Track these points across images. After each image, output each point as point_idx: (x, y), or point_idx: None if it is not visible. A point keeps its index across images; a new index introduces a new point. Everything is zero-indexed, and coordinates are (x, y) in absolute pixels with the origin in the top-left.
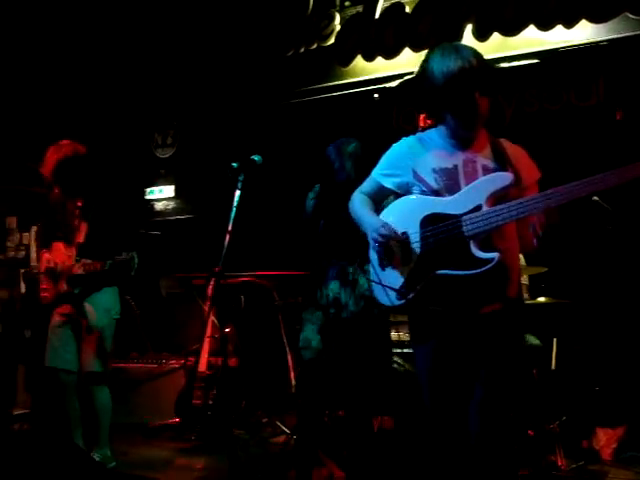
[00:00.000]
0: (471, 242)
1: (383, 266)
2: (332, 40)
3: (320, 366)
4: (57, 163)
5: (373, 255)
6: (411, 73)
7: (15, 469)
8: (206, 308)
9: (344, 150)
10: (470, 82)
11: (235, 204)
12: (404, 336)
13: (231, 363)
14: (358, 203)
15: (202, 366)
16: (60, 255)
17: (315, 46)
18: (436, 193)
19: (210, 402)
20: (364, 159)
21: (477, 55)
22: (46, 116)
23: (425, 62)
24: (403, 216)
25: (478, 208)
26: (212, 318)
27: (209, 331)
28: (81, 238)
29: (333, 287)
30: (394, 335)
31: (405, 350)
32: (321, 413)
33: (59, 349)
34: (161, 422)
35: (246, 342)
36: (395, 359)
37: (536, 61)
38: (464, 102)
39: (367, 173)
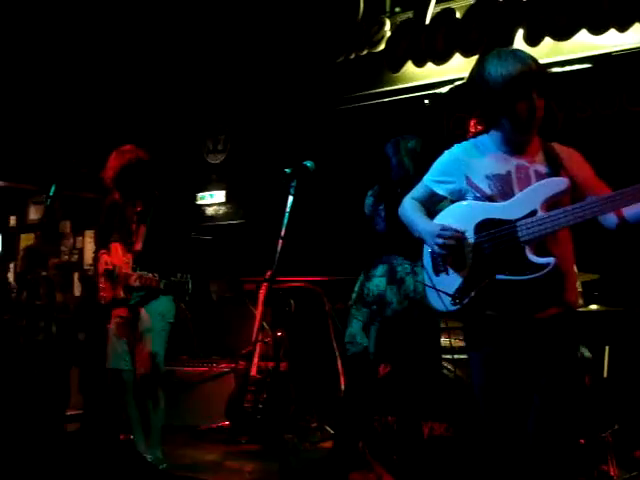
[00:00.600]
0: (526, 247)
1: (437, 272)
2: (382, 46)
3: (364, 361)
4: (120, 169)
5: (427, 261)
6: (462, 79)
7: (69, 468)
8: (257, 312)
9: (402, 146)
10: (530, 84)
11: (288, 210)
12: (455, 342)
13: (281, 367)
14: (410, 209)
15: (253, 370)
16: (118, 258)
17: (365, 52)
18: (490, 199)
19: (260, 406)
20: (424, 156)
21: (533, 58)
22: (99, 122)
23: (481, 67)
24: (457, 221)
25: (533, 213)
26: (262, 322)
27: (260, 335)
28: (139, 245)
29: (379, 283)
30: (445, 341)
31: (456, 356)
32: (367, 412)
33: (120, 351)
34: (211, 425)
35: (296, 347)
36: (445, 365)
37: (589, 66)
38: (523, 104)
39: (426, 170)
